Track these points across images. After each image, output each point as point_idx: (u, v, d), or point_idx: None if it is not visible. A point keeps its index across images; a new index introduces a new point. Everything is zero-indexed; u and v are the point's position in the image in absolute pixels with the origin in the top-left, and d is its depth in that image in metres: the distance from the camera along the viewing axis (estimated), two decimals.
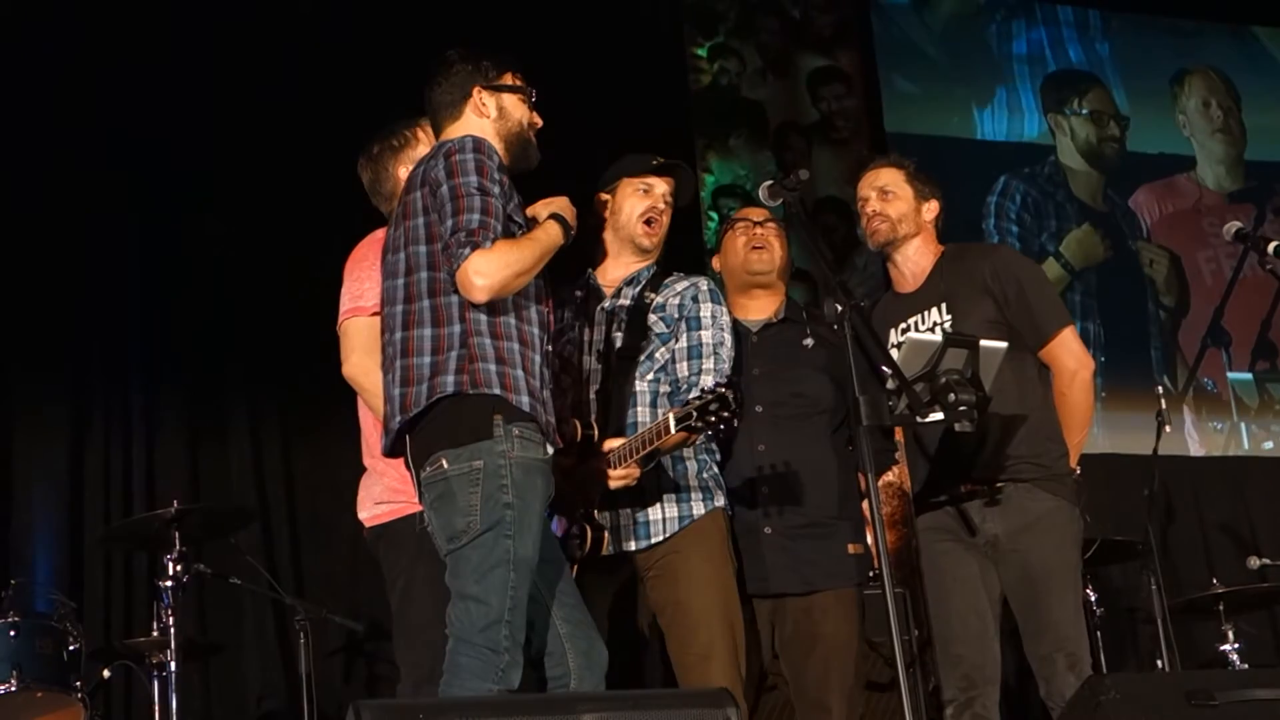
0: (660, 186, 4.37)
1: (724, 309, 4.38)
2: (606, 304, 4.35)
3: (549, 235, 3.65)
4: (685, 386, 4.23)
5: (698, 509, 4.20)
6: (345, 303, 3.97)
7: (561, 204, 3.77)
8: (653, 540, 4.17)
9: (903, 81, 8.91)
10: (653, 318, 4.30)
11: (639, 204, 4.36)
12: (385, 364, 3.64)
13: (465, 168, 3.56)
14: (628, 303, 4.33)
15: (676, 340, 4.29)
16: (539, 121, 3.87)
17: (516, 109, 3.82)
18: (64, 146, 6.75)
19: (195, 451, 6.76)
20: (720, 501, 4.27)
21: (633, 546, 4.16)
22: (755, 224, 4.64)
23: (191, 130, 6.91)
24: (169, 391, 6.79)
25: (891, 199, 4.48)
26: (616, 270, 4.39)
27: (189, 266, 6.85)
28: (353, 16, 7.28)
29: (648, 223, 4.35)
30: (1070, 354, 4.36)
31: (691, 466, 4.23)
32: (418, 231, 3.61)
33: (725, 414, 3.79)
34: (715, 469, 4.31)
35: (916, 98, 8.92)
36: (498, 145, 3.74)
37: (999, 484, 4.25)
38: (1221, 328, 9.01)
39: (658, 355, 4.27)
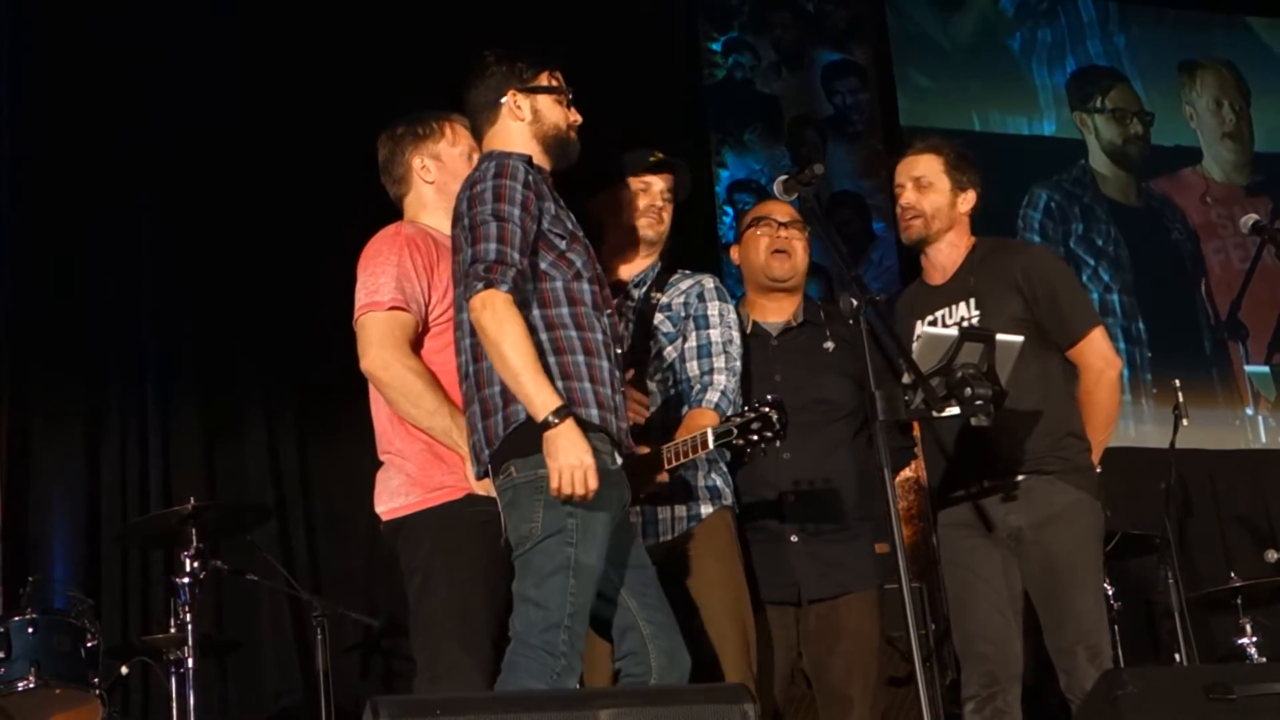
0: (659, 183, 4.35)
1: (730, 306, 4.36)
2: (615, 304, 4.34)
3: (536, 395, 3.43)
4: (697, 386, 4.22)
5: (705, 508, 4.21)
6: (361, 298, 3.96)
7: (571, 458, 3.44)
8: (661, 539, 4.17)
9: (917, 75, 8.90)
10: (659, 317, 4.29)
11: (640, 200, 4.34)
12: (467, 395, 3.64)
13: (483, 197, 3.56)
14: (634, 303, 4.33)
15: (685, 339, 4.28)
16: (578, 119, 3.83)
17: (552, 111, 3.78)
18: (76, 146, 6.77)
19: (211, 448, 6.77)
20: (728, 501, 4.26)
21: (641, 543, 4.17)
22: (780, 225, 4.56)
23: (203, 128, 6.92)
24: (185, 389, 6.80)
25: (927, 191, 4.43)
26: (622, 271, 4.38)
27: (202, 264, 6.86)
28: (364, 13, 7.28)
29: (650, 215, 4.34)
30: (1098, 354, 4.34)
31: (701, 470, 4.22)
32: (460, 269, 3.62)
33: (768, 434, 3.80)
34: (724, 468, 4.30)
35: (931, 92, 8.90)
36: (535, 148, 3.73)
37: (1021, 477, 4.24)
38: (1239, 320, 8.99)
39: (665, 355, 4.27)
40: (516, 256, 3.52)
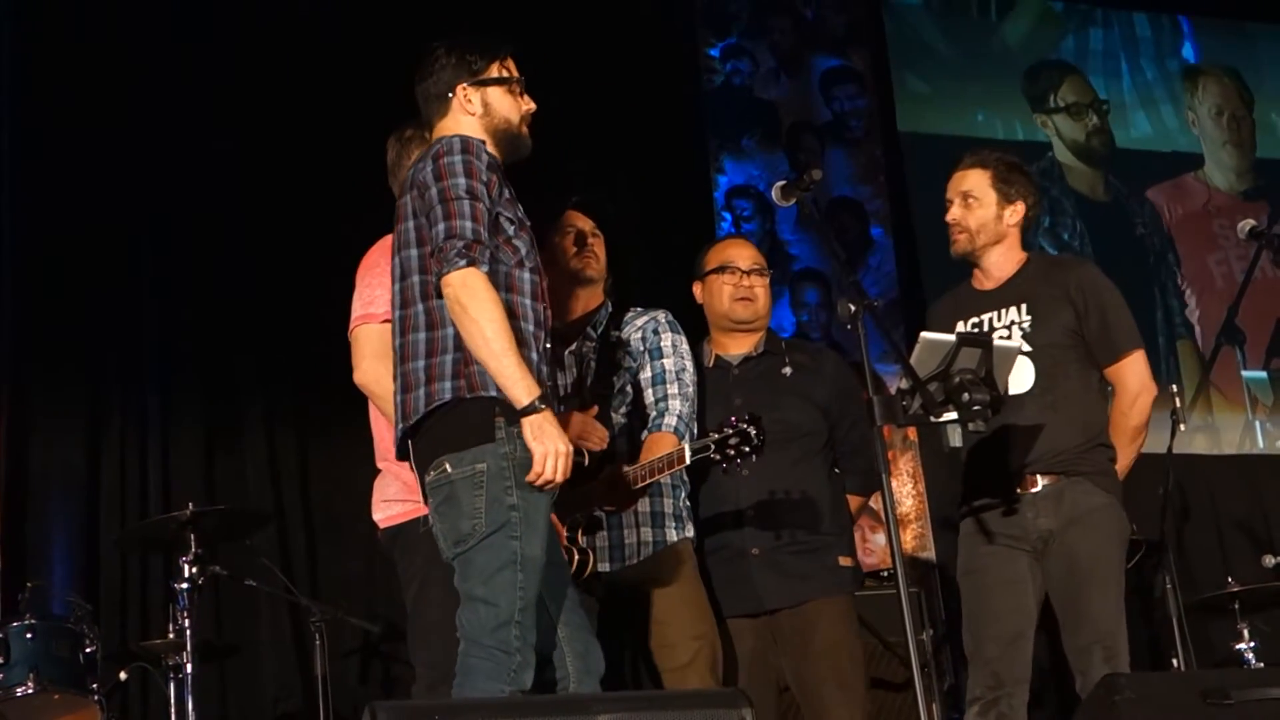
0: (583, 222, 4.45)
1: (683, 338, 4.46)
2: (572, 347, 4.42)
3: (521, 380, 3.41)
4: (653, 413, 4.32)
5: (671, 536, 4.30)
6: (356, 309, 3.97)
7: (558, 444, 3.44)
8: (627, 562, 4.25)
9: (915, 81, 8.91)
10: (619, 353, 4.38)
11: (570, 245, 4.43)
12: (393, 371, 3.64)
13: (453, 169, 3.54)
14: (592, 343, 4.41)
15: (641, 371, 4.37)
16: (532, 106, 3.80)
17: (503, 103, 3.76)
18: (77, 147, 6.77)
19: (211, 454, 6.77)
20: (690, 532, 4.36)
21: (606, 568, 4.23)
22: (743, 273, 4.65)
23: (204, 129, 6.92)
24: (184, 394, 6.80)
25: (973, 206, 4.48)
26: (574, 314, 4.45)
27: (204, 268, 6.87)
28: (365, 16, 7.29)
29: (582, 254, 4.42)
30: (1137, 376, 4.42)
31: (668, 496, 4.32)
32: (409, 235, 3.60)
33: (746, 449, 3.87)
34: (686, 500, 4.40)
35: (929, 97, 8.91)
36: (486, 141, 3.70)
37: (1053, 479, 4.29)
38: (1236, 326, 8.99)
39: (628, 389, 4.37)
40: (486, 237, 3.51)
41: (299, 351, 6.78)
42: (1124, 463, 4.41)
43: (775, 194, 3.95)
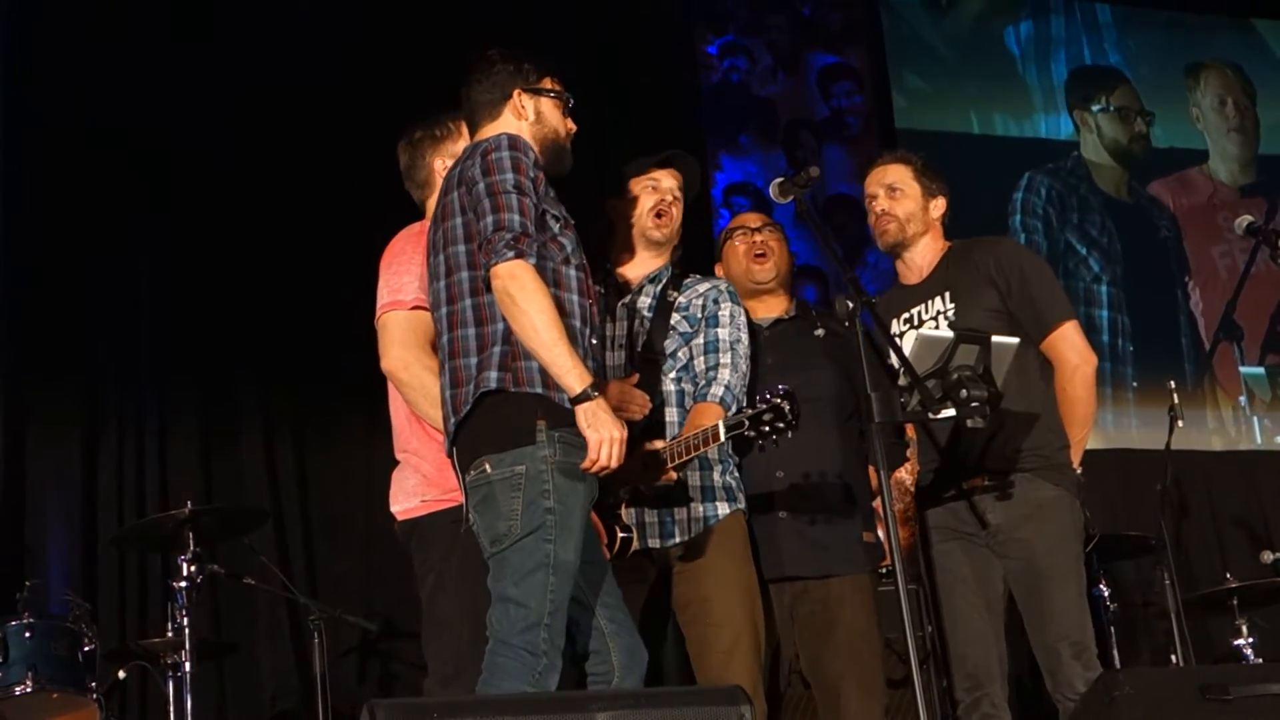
0: (667, 180, 4.40)
1: (742, 310, 4.42)
2: (628, 300, 4.38)
3: (574, 368, 3.44)
4: (703, 381, 4.27)
5: (721, 509, 4.24)
6: (383, 296, 3.95)
7: (613, 431, 3.48)
8: (677, 539, 4.20)
9: (913, 78, 8.91)
10: (676, 316, 4.34)
11: (648, 199, 4.38)
12: (439, 367, 3.67)
13: (501, 165, 3.57)
14: (650, 300, 4.37)
15: (696, 336, 4.33)
16: (574, 127, 3.87)
17: (553, 114, 3.82)
18: (74, 147, 6.77)
19: (208, 452, 6.77)
20: (741, 504, 4.30)
21: (656, 544, 4.19)
22: (754, 230, 4.68)
23: (203, 129, 6.93)
24: (182, 392, 6.81)
25: (899, 197, 4.49)
26: (635, 269, 4.42)
27: (201, 266, 6.86)
28: (364, 14, 7.29)
29: (658, 215, 4.37)
30: (1072, 348, 4.35)
31: (716, 469, 4.26)
32: (456, 231, 3.62)
33: (780, 425, 3.82)
34: (736, 472, 4.34)
35: (926, 94, 8.92)
36: (533, 148, 3.73)
37: (1001, 475, 4.25)
38: (1234, 322, 9.00)
39: (681, 354, 4.32)
40: (534, 231, 3.53)
41: (296, 350, 6.78)
42: (1076, 440, 4.33)
43: (773, 191, 3.94)
